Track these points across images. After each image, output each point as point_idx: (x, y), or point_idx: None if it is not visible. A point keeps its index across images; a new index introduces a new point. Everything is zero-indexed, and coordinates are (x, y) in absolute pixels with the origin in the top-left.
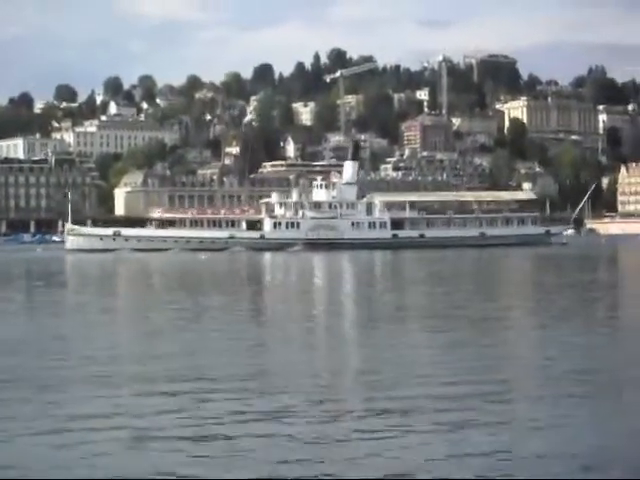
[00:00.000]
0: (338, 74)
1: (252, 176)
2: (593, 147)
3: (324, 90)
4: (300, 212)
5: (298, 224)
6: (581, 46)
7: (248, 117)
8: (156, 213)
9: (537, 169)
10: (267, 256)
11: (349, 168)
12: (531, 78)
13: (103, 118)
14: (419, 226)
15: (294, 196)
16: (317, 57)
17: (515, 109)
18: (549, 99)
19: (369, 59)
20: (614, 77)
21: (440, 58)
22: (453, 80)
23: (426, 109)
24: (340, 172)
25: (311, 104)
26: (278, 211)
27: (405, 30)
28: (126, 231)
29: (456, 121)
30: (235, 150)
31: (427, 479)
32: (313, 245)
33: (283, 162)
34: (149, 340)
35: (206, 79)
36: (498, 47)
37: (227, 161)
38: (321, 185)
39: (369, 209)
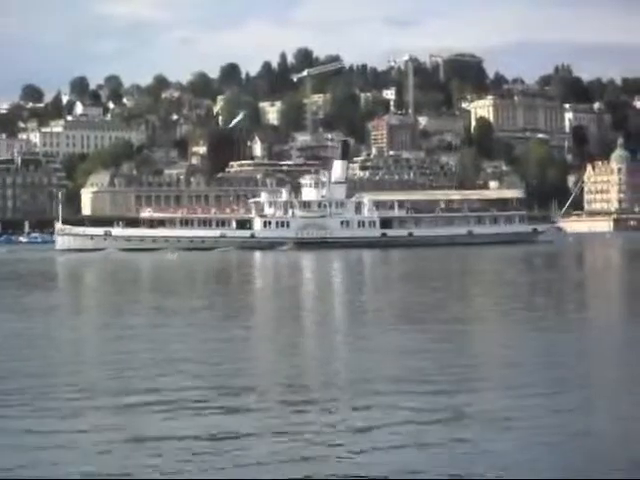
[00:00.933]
0: (305, 73)
1: (219, 176)
2: (559, 145)
3: (291, 89)
4: (290, 211)
5: (288, 223)
6: (547, 45)
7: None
8: (146, 213)
9: (504, 168)
10: (257, 255)
11: (338, 167)
12: (497, 77)
13: (69, 118)
14: (408, 225)
15: (284, 195)
16: (284, 57)
17: (481, 108)
18: (515, 98)
19: (336, 58)
20: (580, 76)
21: (406, 57)
22: (420, 79)
23: (393, 108)
24: (308, 172)
25: (278, 103)
26: (268, 210)
27: (372, 29)
28: (117, 231)
29: (423, 120)
30: (202, 150)
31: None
32: (303, 244)
33: (250, 162)
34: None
35: (173, 79)
36: (465, 46)
37: (194, 161)
38: (310, 184)
39: (358, 208)
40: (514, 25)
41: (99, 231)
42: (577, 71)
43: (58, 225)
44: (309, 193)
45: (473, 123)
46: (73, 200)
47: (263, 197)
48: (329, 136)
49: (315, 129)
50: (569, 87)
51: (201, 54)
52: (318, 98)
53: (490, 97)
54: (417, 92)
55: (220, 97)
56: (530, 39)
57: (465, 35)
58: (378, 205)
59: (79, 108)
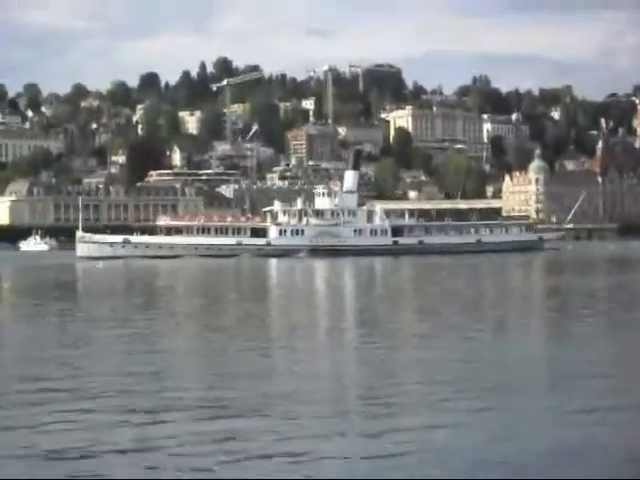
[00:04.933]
0: (224, 83)
1: (138, 185)
2: (478, 156)
3: (210, 99)
4: (304, 219)
5: (302, 231)
6: (465, 55)
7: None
8: (163, 221)
9: (422, 178)
10: (273, 262)
11: (350, 177)
12: (416, 87)
13: None
14: (418, 233)
15: (298, 204)
16: (203, 66)
17: (400, 118)
18: (434, 108)
19: (255, 68)
20: (498, 87)
21: (326, 67)
22: (339, 89)
23: (312, 118)
24: (228, 181)
25: (197, 113)
26: (282, 218)
27: (291, 39)
28: (135, 238)
29: (342, 130)
30: (121, 159)
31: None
32: (317, 251)
33: (169, 171)
34: None
35: (92, 87)
36: (383, 57)
37: (113, 170)
38: (324, 193)
39: (369, 216)
40: (432, 35)
41: (117, 239)
42: (495, 82)
43: (78, 233)
44: (322, 202)
45: (392, 133)
46: None
47: (276, 205)
48: (248, 145)
49: (234, 139)
50: (487, 98)
51: (120, 63)
52: (237, 107)
53: (409, 107)
54: (336, 102)
55: (139, 106)
56: (448, 49)
57: (384, 45)
58: (389, 214)
59: None
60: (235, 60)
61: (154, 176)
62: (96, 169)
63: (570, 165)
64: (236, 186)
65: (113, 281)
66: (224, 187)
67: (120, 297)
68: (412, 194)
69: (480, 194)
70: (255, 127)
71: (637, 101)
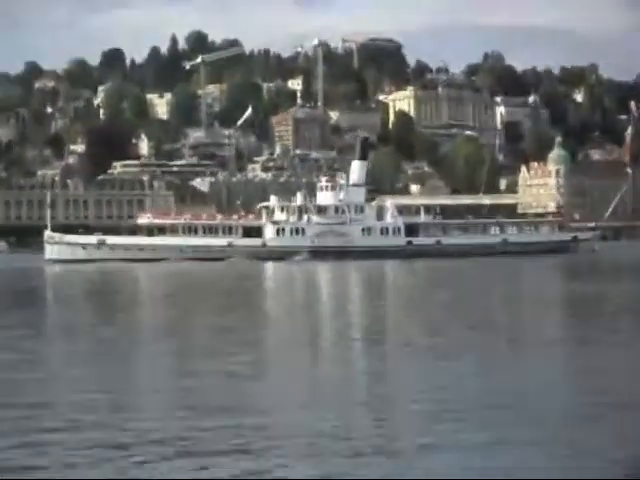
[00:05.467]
0: (199, 60)
1: (100, 178)
2: (490, 144)
3: (182, 79)
4: (305, 217)
5: (303, 230)
6: (475, 29)
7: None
8: (144, 219)
9: (426, 169)
10: (269, 266)
11: (356, 168)
12: (419, 65)
13: None
14: (435, 232)
15: (298, 199)
16: (174, 41)
17: (401, 101)
18: (439, 89)
19: (234, 43)
20: (513, 64)
21: (315, 42)
22: (330, 67)
23: (300, 100)
24: (203, 173)
25: (168, 95)
26: (279, 216)
27: (276, 9)
28: (112, 239)
29: (334, 114)
30: (80, 148)
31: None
32: (320, 253)
33: (136, 162)
34: None
35: (47, 67)
36: (381, 30)
37: (71, 160)
38: (326, 187)
39: (379, 213)
40: (437, 6)
41: (91, 239)
42: (509, 59)
43: (47, 232)
44: (325, 197)
45: (391, 118)
46: None
47: (273, 201)
48: (226, 132)
49: (210, 124)
50: (500, 77)
51: (80, 39)
52: (214, 89)
53: (411, 88)
54: (327, 82)
55: (101, 88)
56: (456, 22)
57: (382, 17)
58: (402, 210)
59: None
60: (211, 34)
61: (118, 167)
62: (51, 160)
63: (595, 154)
64: (212, 179)
65: (78, 288)
66: (198, 180)
67: (78, 308)
68: (414, 188)
69: (492, 188)
70: (249, 111)
71: None
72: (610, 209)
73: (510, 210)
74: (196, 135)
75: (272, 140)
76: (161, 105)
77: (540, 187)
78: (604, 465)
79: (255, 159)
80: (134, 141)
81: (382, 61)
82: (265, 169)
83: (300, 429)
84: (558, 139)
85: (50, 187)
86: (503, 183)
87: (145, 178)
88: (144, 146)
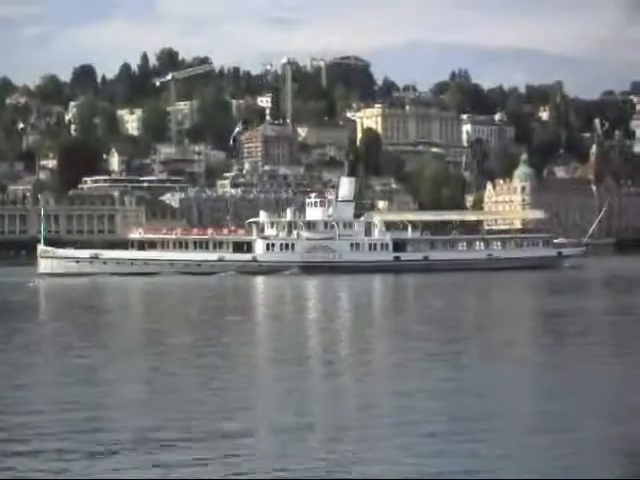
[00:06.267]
0: (169, 77)
1: (71, 193)
2: (456, 161)
3: (153, 95)
4: (294, 232)
5: (293, 245)
6: (442, 48)
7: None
8: (136, 233)
9: (393, 186)
10: (260, 280)
11: (346, 184)
12: (386, 83)
13: None
14: (423, 247)
15: (288, 215)
16: (145, 58)
17: (369, 118)
18: (407, 107)
19: (204, 61)
20: (479, 83)
21: (284, 60)
22: (299, 85)
23: (268, 118)
24: (173, 189)
25: (138, 111)
26: (269, 231)
27: (245, 28)
28: (105, 253)
29: (302, 131)
30: (51, 163)
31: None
32: (309, 268)
33: (106, 177)
34: None
35: (18, 82)
36: (350, 49)
37: (42, 176)
38: (315, 202)
39: (368, 229)
40: (405, 25)
41: (84, 254)
42: (476, 78)
43: (40, 247)
44: (314, 212)
45: (359, 135)
46: None
47: (262, 216)
48: (196, 148)
49: (180, 141)
50: (467, 95)
51: (51, 54)
52: (184, 105)
53: (378, 106)
54: (296, 100)
55: (73, 103)
56: (423, 40)
57: (350, 36)
58: (390, 226)
59: None
60: (181, 51)
61: (89, 183)
62: (23, 175)
63: (560, 172)
64: (182, 194)
65: (67, 301)
66: (169, 195)
67: (64, 321)
68: (381, 204)
69: (458, 204)
70: (239, 127)
71: (635, 100)
72: (593, 227)
73: (475, 227)
74: (166, 151)
75: (241, 156)
76: (132, 121)
77: (506, 204)
78: None
79: (224, 175)
80: (105, 157)
81: (350, 79)
82: (234, 185)
83: None
84: (523, 156)
85: (21, 202)
86: (469, 200)
87: (115, 194)
88: (114, 162)
